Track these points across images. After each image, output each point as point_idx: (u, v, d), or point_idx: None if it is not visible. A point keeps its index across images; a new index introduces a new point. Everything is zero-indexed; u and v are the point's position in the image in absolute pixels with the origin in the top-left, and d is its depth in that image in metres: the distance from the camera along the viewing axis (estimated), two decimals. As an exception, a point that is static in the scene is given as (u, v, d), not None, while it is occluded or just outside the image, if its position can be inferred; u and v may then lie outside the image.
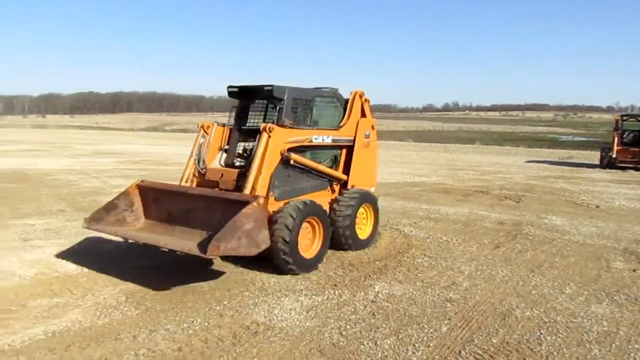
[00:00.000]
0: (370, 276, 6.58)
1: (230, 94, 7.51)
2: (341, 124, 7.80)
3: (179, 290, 5.92)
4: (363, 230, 7.86)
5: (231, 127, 7.56)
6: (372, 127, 8.32)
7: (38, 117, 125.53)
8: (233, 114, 7.68)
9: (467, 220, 10.25)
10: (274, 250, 6.18)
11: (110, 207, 6.97)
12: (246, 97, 7.54)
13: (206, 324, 5.00)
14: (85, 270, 6.51)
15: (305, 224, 6.59)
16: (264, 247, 5.80)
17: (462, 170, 20.34)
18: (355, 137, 7.94)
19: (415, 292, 6.02)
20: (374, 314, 5.35)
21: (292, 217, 6.26)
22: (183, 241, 6.06)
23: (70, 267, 6.64)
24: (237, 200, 6.03)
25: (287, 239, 6.17)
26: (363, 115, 8.15)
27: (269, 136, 6.52)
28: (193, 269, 6.64)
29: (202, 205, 6.51)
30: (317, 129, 7.33)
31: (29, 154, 25.81)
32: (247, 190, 6.33)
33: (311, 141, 7.20)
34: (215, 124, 7.60)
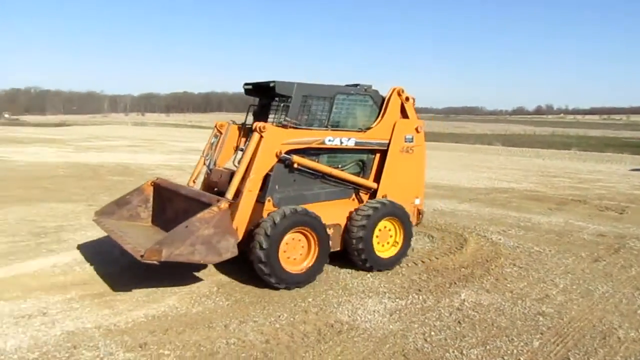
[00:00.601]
0: (455, 283, 6.41)
1: (247, 91, 6.99)
2: (371, 126, 6.92)
3: (265, 284, 6.13)
4: (386, 247, 6.90)
5: (249, 126, 6.98)
6: (417, 130, 7.24)
7: (138, 115, 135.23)
8: (250, 113, 7.21)
9: (561, 231, 9.65)
10: (252, 257, 5.77)
11: (122, 203, 7.07)
12: (263, 94, 6.92)
13: (292, 319, 5.15)
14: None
15: (296, 235, 5.99)
16: (228, 256, 5.40)
17: (556, 177, 19.16)
18: (390, 141, 7.04)
19: (504, 303, 5.78)
20: (459, 322, 5.22)
21: (274, 223, 5.69)
22: (144, 240, 5.79)
23: (168, 256, 7.09)
24: (204, 203, 5.72)
25: (265, 246, 5.64)
26: (405, 116, 7.20)
27: (261, 136, 5.94)
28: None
29: (186, 206, 6.24)
30: (331, 130, 6.54)
31: (130, 149, 27.90)
32: (229, 194, 5.75)
33: (323, 143, 6.44)
34: (231, 123, 7.27)
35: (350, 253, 6.64)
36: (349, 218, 6.67)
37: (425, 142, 7.45)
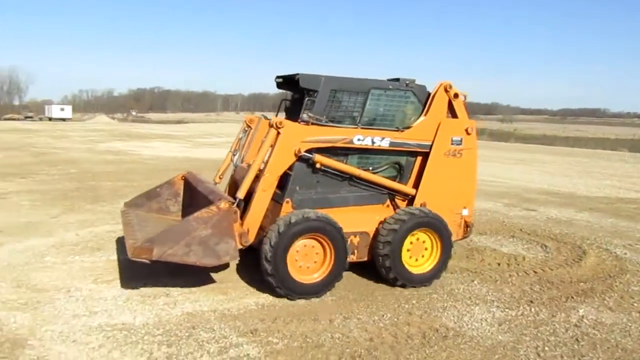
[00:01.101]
0: (572, 298, 5.97)
1: (278, 85, 6.54)
2: (410, 125, 6.22)
3: (369, 283, 6.18)
4: (420, 262, 6.14)
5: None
6: (467, 132, 6.39)
7: (247, 114, 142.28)
8: (282, 107, 6.78)
9: (701, 249, 8.55)
10: (261, 267, 5.43)
11: (152, 195, 6.95)
12: (296, 88, 6.34)
13: (395, 319, 5.13)
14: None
15: (309, 241, 5.53)
16: (227, 259, 5.16)
17: (694, 188, 16.98)
18: (433, 142, 6.31)
19: (630, 324, 5.27)
20: (577, 339, 4.85)
21: (278, 233, 5.28)
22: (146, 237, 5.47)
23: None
24: (210, 201, 5.50)
25: (269, 257, 5.28)
26: (454, 115, 6.43)
27: (278, 132, 5.56)
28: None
29: (200, 203, 5.98)
30: (361, 128, 5.94)
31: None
32: (239, 193, 5.49)
33: (352, 142, 5.90)
34: (262, 118, 6.87)
35: (377, 268, 6.06)
36: (377, 229, 6.04)
37: (478, 144, 6.59)
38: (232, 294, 5.63)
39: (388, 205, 6.35)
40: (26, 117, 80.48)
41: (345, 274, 6.39)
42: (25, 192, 11.69)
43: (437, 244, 6.16)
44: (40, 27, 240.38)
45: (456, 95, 6.34)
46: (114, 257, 6.84)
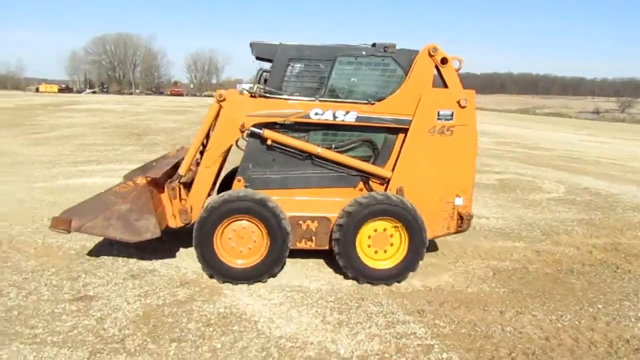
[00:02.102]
0: None
1: (257, 57, 5.84)
2: (384, 96, 5.33)
3: (547, 278, 5.76)
4: (382, 256, 5.33)
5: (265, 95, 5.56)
6: (460, 104, 5.30)
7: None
8: (261, 78, 5.98)
9: None
10: None
11: (147, 168, 6.65)
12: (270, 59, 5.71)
13: (576, 322, 4.70)
14: (457, 237, 6.99)
15: (245, 223, 5.13)
16: (148, 236, 4.91)
17: None
18: (413, 117, 5.34)
19: None
20: None
21: (201, 215, 5.06)
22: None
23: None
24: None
25: (195, 242, 5.08)
26: (445, 84, 5.38)
27: (220, 106, 5.27)
28: (574, 262, 6.30)
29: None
30: (319, 101, 5.27)
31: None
32: (181, 170, 5.43)
33: (308, 117, 5.26)
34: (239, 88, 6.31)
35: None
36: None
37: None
38: (399, 274, 5.70)
39: (361, 189, 5.63)
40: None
41: (521, 268, 6.07)
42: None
43: (405, 238, 5.28)
44: (234, 12, 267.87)
45: (444, 61, 5.30)
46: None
